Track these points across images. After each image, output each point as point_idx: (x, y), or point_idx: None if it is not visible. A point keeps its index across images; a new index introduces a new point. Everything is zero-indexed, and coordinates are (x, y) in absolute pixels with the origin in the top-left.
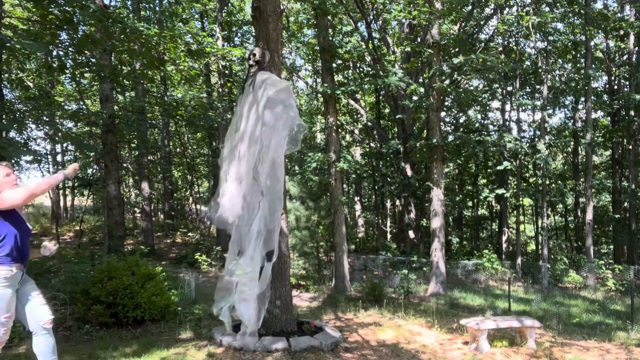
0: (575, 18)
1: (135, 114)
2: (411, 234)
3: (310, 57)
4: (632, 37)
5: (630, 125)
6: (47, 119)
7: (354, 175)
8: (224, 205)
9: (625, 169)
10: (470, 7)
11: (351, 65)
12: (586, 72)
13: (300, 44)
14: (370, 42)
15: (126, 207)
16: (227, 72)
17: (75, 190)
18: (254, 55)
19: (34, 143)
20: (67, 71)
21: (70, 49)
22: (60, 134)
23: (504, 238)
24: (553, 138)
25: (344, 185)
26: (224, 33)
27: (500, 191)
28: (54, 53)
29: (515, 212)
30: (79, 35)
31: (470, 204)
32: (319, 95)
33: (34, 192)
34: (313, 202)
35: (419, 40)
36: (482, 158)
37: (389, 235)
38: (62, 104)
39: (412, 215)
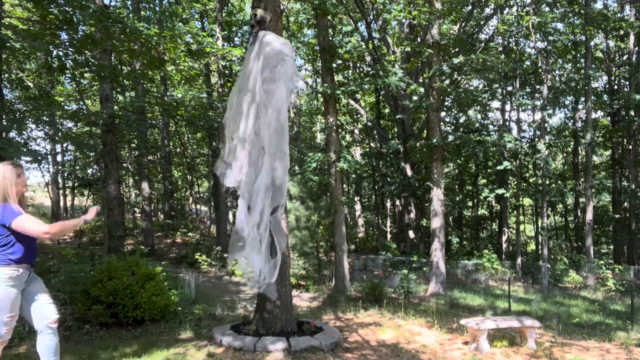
0: (575, 18)
1: (135, 114)
2: (411, 234)
3: (310, 57)
4: (632, 37)
5: (630, 125)
6: (47, 119)
7: (354, 175)
8: (231, 164)
9: (625, 169)
10: (470, 7)
11: (351, 65)
12: (586, 72)
13: (300, 44)
14: (370, 42)
15: (126, 207)
16: (227, 72)
17: (75, 190)
18: (255, 15)
19: (34, 143)
20: (67, 71)
21: (70, 49)
22: (60, 134)
23: (504, 238)
24: (553, 138)
25: (344, 185)
26: (224, 33)
27: (500, 191)
28: (54, 53)
29: (515, 212)
30: (79, 35)
31: (470, 204)
32: (319, 95)
33: (51, 232)
34: (313, 202)
35: (419, 40)
36: (482, 158)
37: (389, 235)
38: (62, 104)
39: (412, 215)
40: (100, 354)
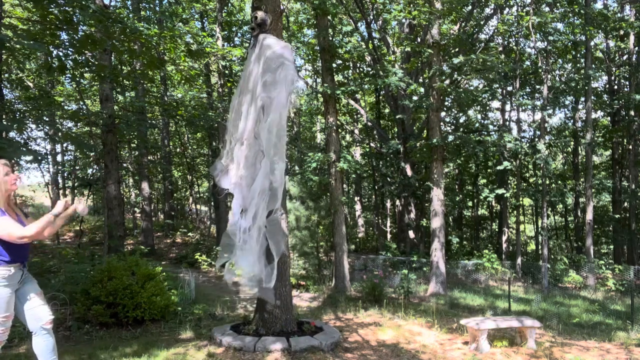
0: (575, 18)
1: (135, 114)
2: (411, 234)
3: (310, 57)
4: (632, 37)
5: (630, 125)
6: (47, 119)
7: (354, 175)
8: (227, 166)
9: (625, 169)
10: (470, 7)
11: (351, 65)
12: (586, 72)
13: (300, 44)
14: (370, 42)
15: (126, 207)
16: (227, 72)
17: (75, 190)
18: (256, 18)
19: (34, 143)
20: (67, 71)
21: (70, 49)
22: (60, 134)
23: (504, 238)
24: (553, 138)
25: (344, 185)
26: (224, 33)
27: (500, 191)
28: (54, 53)
29: (515, 212)
30: (79, 36)
31: (470, 204)
32: (319, 95)
33: (27, 235)
34: (313, 202)
35: (419, 40)
36: (482, 158)
37: (389, 235)
38: (62, 104)
39: (412, 215)
40: (100, 354)
